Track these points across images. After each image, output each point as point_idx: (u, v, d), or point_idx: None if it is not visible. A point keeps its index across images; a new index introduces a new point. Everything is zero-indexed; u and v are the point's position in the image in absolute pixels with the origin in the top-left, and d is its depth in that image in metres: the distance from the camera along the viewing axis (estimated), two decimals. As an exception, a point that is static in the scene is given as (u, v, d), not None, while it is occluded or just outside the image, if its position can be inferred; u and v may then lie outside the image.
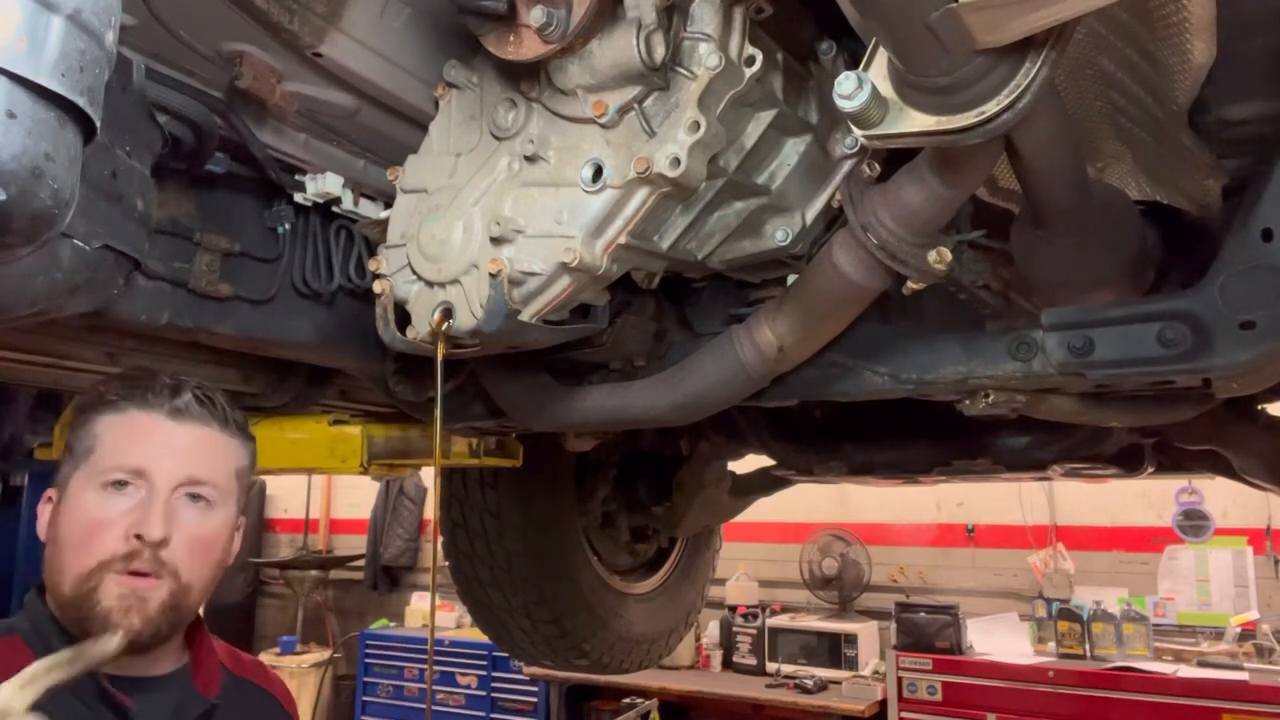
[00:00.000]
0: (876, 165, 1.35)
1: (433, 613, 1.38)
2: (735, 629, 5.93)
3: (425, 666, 6.77)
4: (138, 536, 1.16)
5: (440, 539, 2.72)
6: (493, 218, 1.20)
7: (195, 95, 1.20)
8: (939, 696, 4.94)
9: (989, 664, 4.91)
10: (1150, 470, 2.32)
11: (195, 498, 1.23)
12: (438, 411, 1.36)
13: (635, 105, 1.16)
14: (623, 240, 1.17)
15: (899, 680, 5.04)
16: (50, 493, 1.25)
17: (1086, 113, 1.24)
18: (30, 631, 1.19)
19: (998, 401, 1.42)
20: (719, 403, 1.46)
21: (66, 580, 1.16)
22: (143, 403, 1.23)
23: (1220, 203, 1.39)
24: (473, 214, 1.23)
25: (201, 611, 1.30)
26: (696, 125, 1.11)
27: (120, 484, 1.19)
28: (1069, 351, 1.27)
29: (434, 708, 6.71)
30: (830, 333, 1.35)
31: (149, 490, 1.19)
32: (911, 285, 1.20)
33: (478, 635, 3.41)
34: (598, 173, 1.16)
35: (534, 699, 6.33)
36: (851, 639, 5.63)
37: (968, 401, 1.44)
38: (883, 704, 5.14)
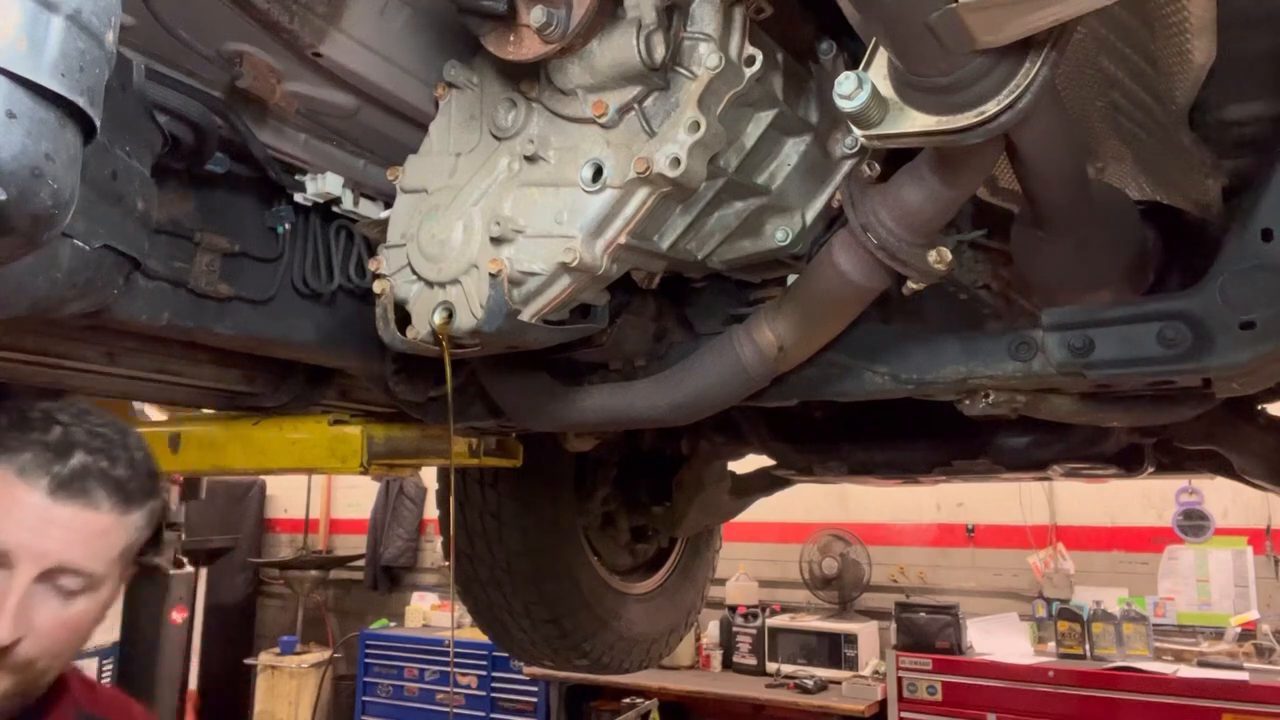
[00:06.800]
0: (876, 165, 1.35)
1: (453, 610, 1.38)
2: (735, 629, 5.93)
3: (425, 667, 6.77)
4: None
5: (443, 538, 2.72)
6: (493, 218, 1.20)
7: (195, 95, 1.20)
8: (939, 696, 4.94)
9: (989, 664, 4.92)
10: (1150, 470, 2.32)
11: (63, 586, 1.07)
12: (449, 411, 1.37)
13: (635, 105, 1.16)
14: (623, 240, 1.17)
15: (899, 680, 5.04)
16: None
17: (1086, 113, 1.24)
18: None
19: (998, 401, 1.42)
20: (719, 403, 1.46)
21: None
22: (21, 468, 1.05)
23: (1220, 203, 1.39)
24: (473, 214, 1.23)
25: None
26: (696, 125, 1.11)
27: None
28: (1069, 351, 1.27)
29: (433, 707, 6.72)
30: (830, 333, 1.35)
31: (7, 578, 1.03)
32: (911, 285, 1.20)
33: (478, 635, 3.41)
34: (598, 173, 1.16)
35: (534, 699, 6.33)
36: (851, 639, 5.64)
37: (968, 401, 1.44)
38: (883, 704, 5.14)
